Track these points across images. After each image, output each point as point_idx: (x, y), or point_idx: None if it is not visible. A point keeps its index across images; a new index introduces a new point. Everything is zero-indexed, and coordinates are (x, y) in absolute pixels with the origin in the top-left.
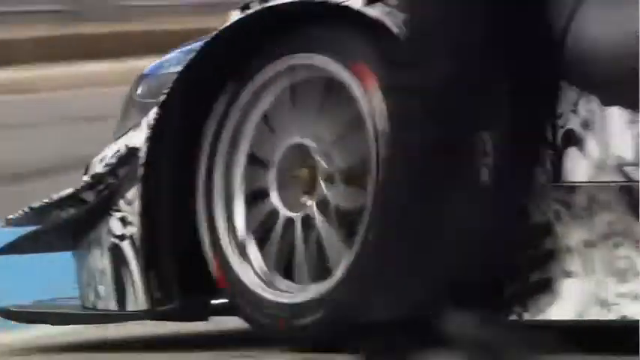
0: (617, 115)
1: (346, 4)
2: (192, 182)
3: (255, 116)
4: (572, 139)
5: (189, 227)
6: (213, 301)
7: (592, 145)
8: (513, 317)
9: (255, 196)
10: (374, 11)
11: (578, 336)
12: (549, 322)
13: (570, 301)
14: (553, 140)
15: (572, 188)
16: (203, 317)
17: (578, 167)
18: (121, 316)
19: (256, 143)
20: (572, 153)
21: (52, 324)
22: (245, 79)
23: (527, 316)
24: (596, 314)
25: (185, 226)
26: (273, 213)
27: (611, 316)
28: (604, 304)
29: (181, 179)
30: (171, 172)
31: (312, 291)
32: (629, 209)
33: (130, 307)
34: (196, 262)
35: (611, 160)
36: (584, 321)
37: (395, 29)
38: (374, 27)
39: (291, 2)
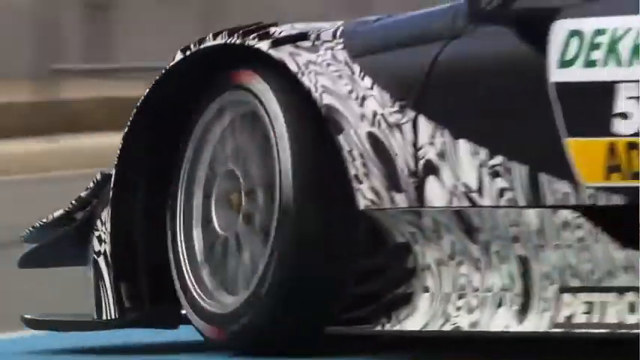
0: (464, 147)
1: (257, 46)
2: (159, 205)
3: (208, 147)
4: (431, 169)
5: (160, 243)
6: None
7: (446, 173)
8: (378, 327)
9: (207, 221)
10: (278, 53)
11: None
12: (403, 332)
13: (422, 313)
14: (415, 169)
15: (427, 213)
16: (172, 326)
17: (435, 194)
18: (98, 324)
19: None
20: (430, 181)
21: (56, 330)
22: (197, 114)
23: (388, 327)
24: (438, 326)
25: (156, 242)
26: (215, 234)
27: (447, 327)
28: (446, 316)
29: (149, 202)
30: (138, 195)
31: (239, 299)
32: (467, 232)
33: (104, 316)
34: (168, 275)
35: (460, 188)
36: (428, 332)
37: (293, 68)
38: (278, 66)
39: (220, 44)
